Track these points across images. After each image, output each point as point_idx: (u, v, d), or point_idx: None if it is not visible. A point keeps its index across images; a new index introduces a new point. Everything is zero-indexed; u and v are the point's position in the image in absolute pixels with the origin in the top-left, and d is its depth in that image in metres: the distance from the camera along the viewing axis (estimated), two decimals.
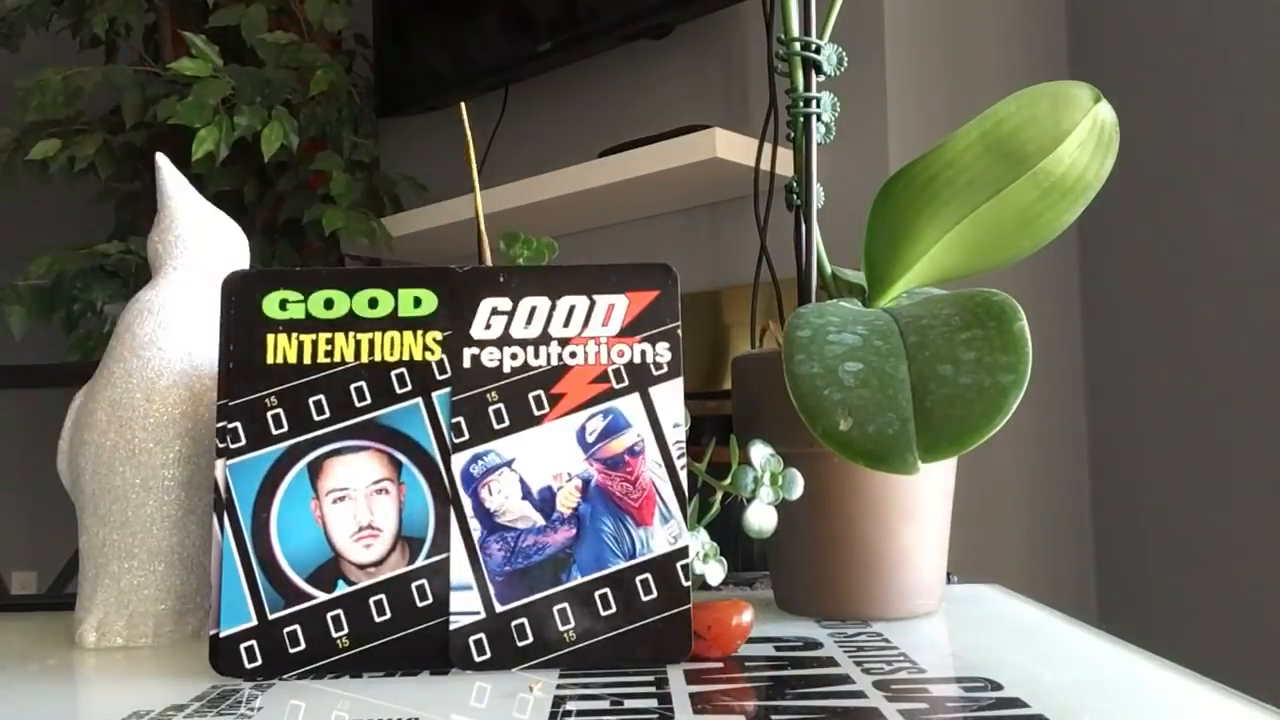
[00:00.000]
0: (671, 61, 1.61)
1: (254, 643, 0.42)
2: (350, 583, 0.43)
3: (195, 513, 0.52)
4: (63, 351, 1.79)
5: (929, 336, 0.47)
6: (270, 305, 0.46)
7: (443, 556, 0.43)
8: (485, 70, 1.76)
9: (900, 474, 0.43)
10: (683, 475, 0.44)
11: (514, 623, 0.43)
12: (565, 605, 0.43)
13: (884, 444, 0.43)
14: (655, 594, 0.43)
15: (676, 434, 0.45)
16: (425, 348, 0.45)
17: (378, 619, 0.42)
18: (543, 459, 0.44)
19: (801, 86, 0.58)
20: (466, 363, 0.45)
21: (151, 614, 0.51)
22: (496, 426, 0.44)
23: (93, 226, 2.22)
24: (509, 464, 0.44)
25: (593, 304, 0.46)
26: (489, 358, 0.45)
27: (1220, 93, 1.54)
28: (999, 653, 0.45)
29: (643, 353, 0.45)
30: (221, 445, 0.44)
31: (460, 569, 0.43)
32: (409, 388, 0.45)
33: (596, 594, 0.43)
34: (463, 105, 0.64)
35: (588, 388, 0.45)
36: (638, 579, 0.43)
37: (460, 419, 0.44)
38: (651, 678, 0.41)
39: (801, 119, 0.58)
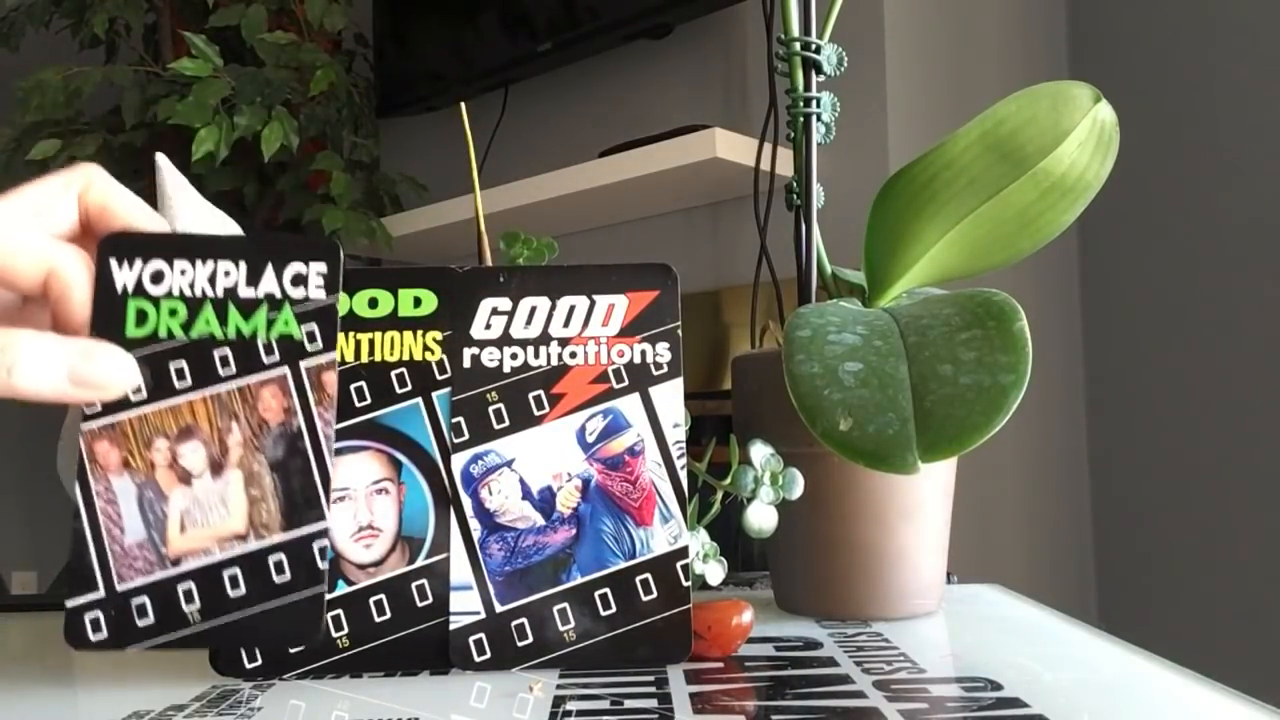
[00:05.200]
0: (671, 61, 1.61)
1: None
2: (350, 583, 0.43)
3: None
4: None
5: (929, 336, 0.47)
6: None
7: (443, 556, 0.43)
8: (485, 70, 1.76)
9: (900, 474, 0.43)
10: (683, 475, 0.44)
11: (514, 623, 0.43)
12: (565, 605, 0.43)
13: (884, 444, 0.43)
14: (655, 594, 0.43)
15: (676, 434, 0.45)
16: (425, 348, 0.45)
17: (378, 619, 0.42)
18: (543, 459, 0.44)
19: (801, 86, 0.58)
20: (466, 363, 0.45)
21: None
22: (496, 426, 0.44)
23: None
24: (509, 464, 0.44)
25: (593, 304, 0.46)
26: (489, 358, 0.45)
27: (1220, 93, 1.54)
28: (999, 653, 0.45)
29: (643, 353, 0.45)
30: None
31: (460, 569, 0.43)
32: (409, 388, 0.45)
33: (596, 594, 0.43)
34: (463, 105, 0.64)
35: (588, 388, 0.45)
36: (638, 579, 0.43)
37: (460, 419, 0.44)
38: (651, 678, 0.41)
39: (801, 119, 0.58)
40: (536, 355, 0.45)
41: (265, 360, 0.40)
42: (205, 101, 1.64)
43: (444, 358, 0.45)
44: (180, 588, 0.39)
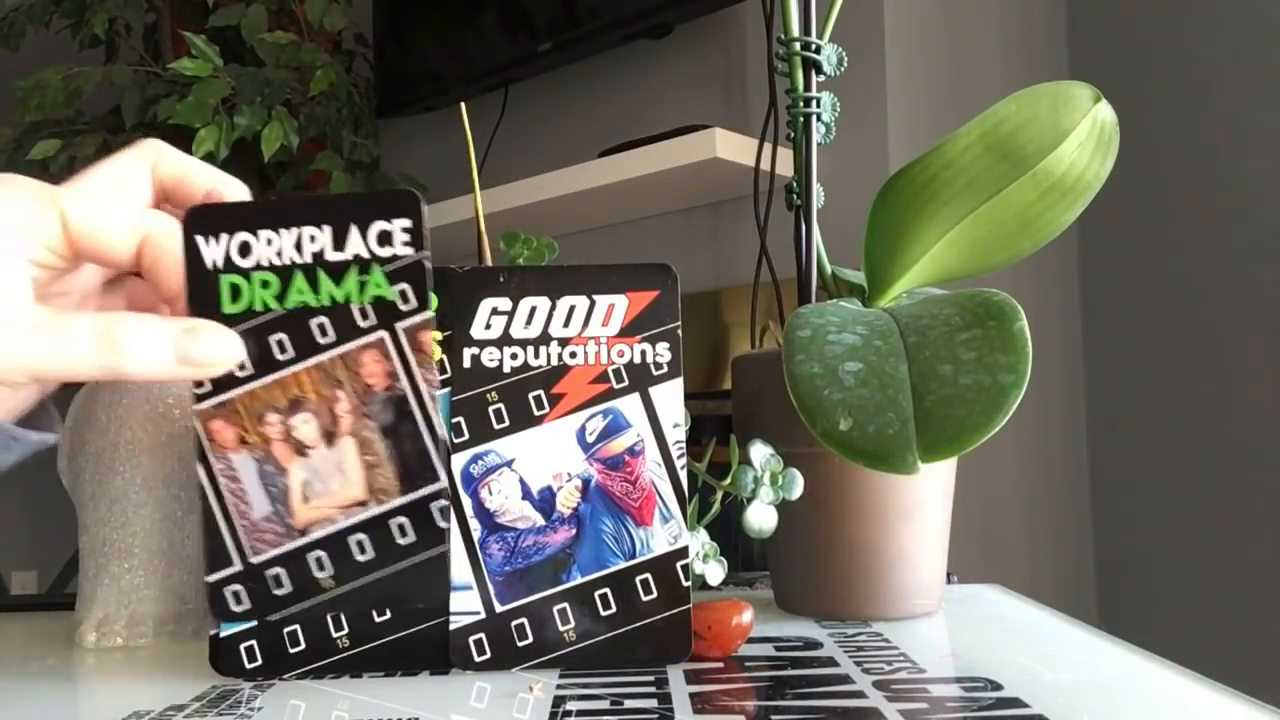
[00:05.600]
0: (671, 61, 1.61)
1: (254, 642, 0.42)
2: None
3: (195, 512, 0.52)
4: None
5: (929, 336, 0.47)
6: None
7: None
8: (485, 70, 1.76)
9: (900, 474, 0.43)
10: (683, 475, 0.44)
11: (514, 623, 0.43)
12: (565, 605, 0.43)
13: (884, 444, 0.43)
14: (655, 594, 0.43)
15: (676, 434, 0.45)
16: None
17: (378, 619, 0.42)
18: (543, 459, 0.44)
19: (801, 86, 0.58)
20: (466, 363, 0.45)
21: (151, 614, 0.51)
22: (496, 426, 0.44)
23: None
24: (509, 464, 0.44)
25: (593, 304, 0.46)
26: (489, 358, 0.45)
27: (1220, 93, 1.53)
28: (999, 653, 0.45)
29: (643, 353, 0.45)
30: None
31: (460, 569, 0.43)
32: None
33: (596, 594, 0.43)
34: (463, 105, 0.64)
35: (588, 388, 0.45)
36: (638, 579, 0.43)
37: (460, 419, 0.44)
38: (651, 678, 0.41)
39: (801, 119, 0.58)
40: (536, 355, 0.45)
41: (361, 325, 0.40)
42: (205, 101, 1.65)
43: (444, 358, 0.45)
44: (311, 556, 0.39)
